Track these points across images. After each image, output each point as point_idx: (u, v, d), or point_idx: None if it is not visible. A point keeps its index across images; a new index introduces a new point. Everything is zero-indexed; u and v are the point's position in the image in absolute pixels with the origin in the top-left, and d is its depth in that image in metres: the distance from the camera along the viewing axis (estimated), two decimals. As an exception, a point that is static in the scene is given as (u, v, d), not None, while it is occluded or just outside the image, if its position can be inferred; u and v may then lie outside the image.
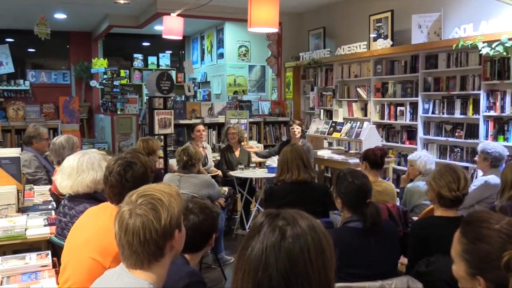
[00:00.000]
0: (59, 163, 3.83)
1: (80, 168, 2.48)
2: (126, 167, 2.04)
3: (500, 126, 4.92)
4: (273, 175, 5.08)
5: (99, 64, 9.33)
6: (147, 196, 1.39)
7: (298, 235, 1.00)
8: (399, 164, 6.11)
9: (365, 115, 6.78)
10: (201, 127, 6.01)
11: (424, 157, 4.08)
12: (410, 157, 4.26)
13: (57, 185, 2.60)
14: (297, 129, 5.99)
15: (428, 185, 2.50)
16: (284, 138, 7.63)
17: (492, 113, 4.97)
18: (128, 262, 1.38)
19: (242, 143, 6.22)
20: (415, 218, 3.15)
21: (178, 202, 1.43)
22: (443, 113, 5.54)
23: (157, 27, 9.67)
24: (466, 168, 5.34)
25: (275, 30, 4.16)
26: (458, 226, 2.36)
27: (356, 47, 6.67)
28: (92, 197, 2.48)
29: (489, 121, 5.01)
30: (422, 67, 5.75)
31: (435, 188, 2.43)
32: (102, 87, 9.14)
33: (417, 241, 2.39)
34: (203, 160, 5.88)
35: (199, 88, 11.57)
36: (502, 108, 4.88)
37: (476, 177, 4.96)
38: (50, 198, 3.58)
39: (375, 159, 3.49)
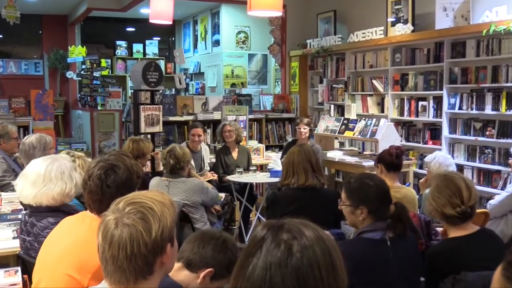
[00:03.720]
0: (30, 166, 3.83)
1: (48, 177, 2.44)
2: (108, 171, 2.04)
3: (537, 124, 4.92)
4: (276, 179, 5.08)
5: (77, 52, 9.33)
6: (136, 204, 1.39)
7: (305, 247, 1.00)
8: (420, 167, 6.11)
9: (382, 111, 6.78)
10: (199, 130, 5.89)
11: (439, 158, 4.07)
12: (426, 158, 4.26)
13: (17, 191, 2.55)
14: (304, 130, 5.98)
15: (429, 205, 2.48)
16: (289, 138, 7.62)
17: (528, 108, 4.97)
18: (111, 279, 1.38)
19: (241, 143, 6.22)
20: (439, 229, 3.14)
21: (171, 212, 1.43)
22: (471, 109, 5.53)
23: (143, 10, 9.67)
24: (499, 172, 5.34)
25: (279, 13, 4.16)
26: (477, 242, 2.37)
27: (372, 33, 6.67)
28: (56, 210, 2.44)
29: (525, 118, 5.01)
30: (447, 56, 5.75)
31: (437, 208, 2.43)
32: (80, 78, 9.14)
33: (434, 270, 2.38)
34: (200, 164, 5.88)
35: (191, 80, 11.57)
36: (540, 103, 4.88)
37: (510, 182, 4.95)
38: (20, 207, 3.58)
39: (390, 159, 3.50)
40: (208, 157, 6.20)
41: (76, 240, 1.94)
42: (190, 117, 7.10)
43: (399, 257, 2.32)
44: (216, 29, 10.31)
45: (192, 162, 5.52)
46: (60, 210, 2.43)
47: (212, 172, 5.84)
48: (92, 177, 2.03)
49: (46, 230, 2.34)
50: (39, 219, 2.43)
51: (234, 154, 6.04)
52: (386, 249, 2.32)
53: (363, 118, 6.11)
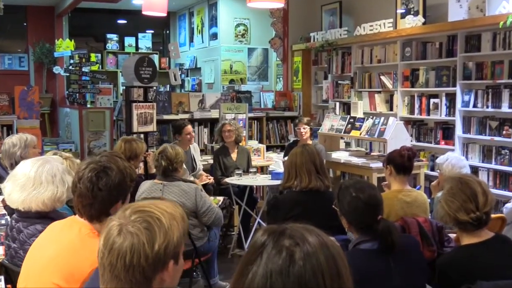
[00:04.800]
0: (12, 166, 3.84)
1: (38, 180, 2.43)
2: (100, 173, 2.04)
3: (557, 123, 4.92)
4: (277, 182, 5.07)
5: (64, 46, 9.33)
6: (143, 213, 1.40)
7: (308, 254, 1.00)
8: (432, 169, 6.11)
9: (391, 109, 6.78)
10: (190, 127, 5.99)
11: (451, 159, 4.07)
12: (438, 160, 4.27)
13: (5, 195, 2.55)
14: (304, 130, 6.01)
15: (441, 209, 2.49)
16: (291, 138, 7.63)
17: (547, 106, 4.97)
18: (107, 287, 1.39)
19: (240, 143, 6.22)
20: (452, 235, 3.15)
21: (180, 227, 1.43)
22: (487, 107, 5.54)
23: (136, 1, 9.68)
24: (515, 174, 5.34)
25: (281, 5, 4.17)
26: (492, 249, 2.37)
27: (380, 25, 6.67)
28: (44, 216, 2.44)
29: (544, 117, 5.01)
30: (461, 50, 5.75)
31: (449, 213, 2.43)
32: (68, 74, 9.14)
33: (446, 280, 2.39)
34: (191, 165, 5.88)
35: (187, 76, 11.57)
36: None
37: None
38: (4, 212, 3.58)
39: (401, 161, 3.49)
40: (199, 156, 6.20)
41: (63, 247, 1.94)
42: (186, 116, 7.10)
43: (401, 266, 2.33)
44: (213, 21, 10.31)
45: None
46: (49, 217, 2.43)
47: (208, 175, 5.84)
48: (83, 180, 2.03)
49: (33, 238, 2.34)
50: (27, 225, 2.43)
51: (233, 155, 6.04)
52: (386, 259, 2.32)
53: (371, 117, 6.11)
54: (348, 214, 2.46)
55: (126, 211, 1.42)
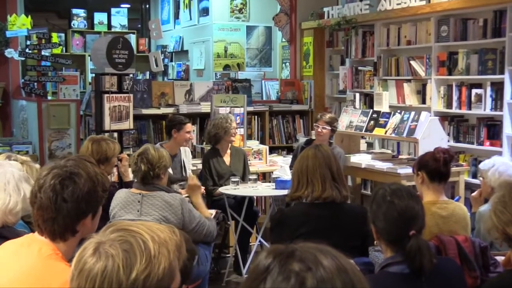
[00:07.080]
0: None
1: None
2: (65, 180, 2.04)
3: None
4: (284, 192, 5.08)
5: (19, 23, 9.33)
6: (127, 232, 1.40)
7: (322, 281, 1.01)
8: (474, 176, 6.11)
9: (423, 101, 6.78)
10: (190, 125, 5.98)
11: (498, 165, 4.06)
12: (481, 165, 4.26)
13: None
14: (324, 130, 5.92)
15: (489, 220, 2.51)
16: (300, 137, 7.63)
17: None
18: None
19: (233, 143, 6.20)
20: (499, 259, 3.15)
21: (172, 258, 1.41)
22: (541, 99, 5.55)
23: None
24: None
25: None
26: None
27: (410, -2, 6.69)
28: None
29: None
30: (510, 29, 5.76)
31: (497, 225, 2.45)
32: (24, 58, 9.15)
33: None
34: (180, 172, 5.87)
35: (171, 60, 11.59)
36: None
37: None
38: None
39: (436, 166, 3.50)
40: (190, 163, 6.17)
41: (22, 272, 1.94)
42: (170, 110, 7.10)
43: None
44: (204, -7, 10.34)
45: (170, 170, 5.51)
46: (1, 235, 2.44)
47: (199, 183, 5.83)
48: (44, 188, 2.03)
49: None
50: None
51: (226, 159, 6.01)
52: (419, 286, 2.34)
53: (398, 111, 6.12)
54: (378, 222, 2.50)
55: (109, 228, 1.42)
